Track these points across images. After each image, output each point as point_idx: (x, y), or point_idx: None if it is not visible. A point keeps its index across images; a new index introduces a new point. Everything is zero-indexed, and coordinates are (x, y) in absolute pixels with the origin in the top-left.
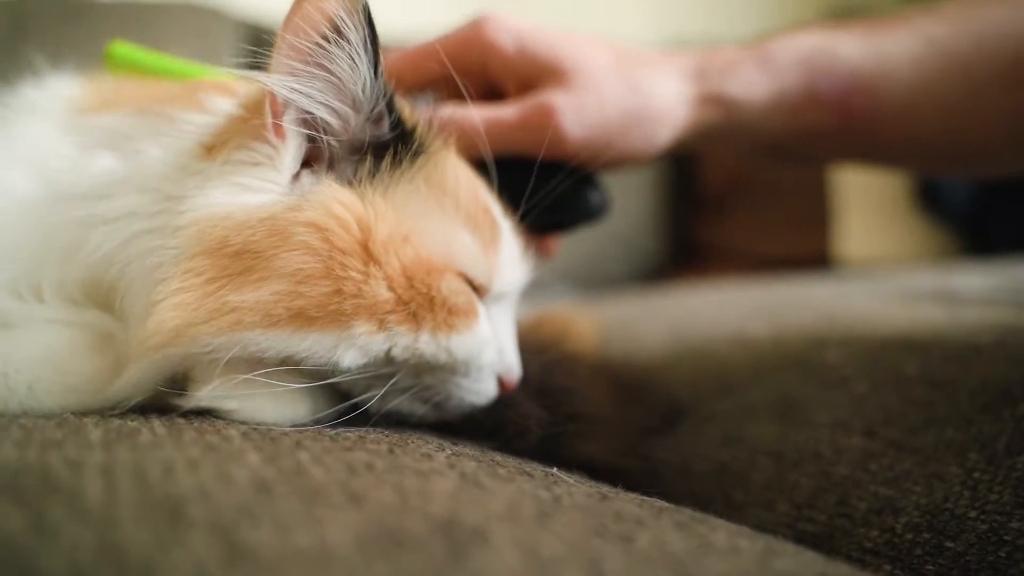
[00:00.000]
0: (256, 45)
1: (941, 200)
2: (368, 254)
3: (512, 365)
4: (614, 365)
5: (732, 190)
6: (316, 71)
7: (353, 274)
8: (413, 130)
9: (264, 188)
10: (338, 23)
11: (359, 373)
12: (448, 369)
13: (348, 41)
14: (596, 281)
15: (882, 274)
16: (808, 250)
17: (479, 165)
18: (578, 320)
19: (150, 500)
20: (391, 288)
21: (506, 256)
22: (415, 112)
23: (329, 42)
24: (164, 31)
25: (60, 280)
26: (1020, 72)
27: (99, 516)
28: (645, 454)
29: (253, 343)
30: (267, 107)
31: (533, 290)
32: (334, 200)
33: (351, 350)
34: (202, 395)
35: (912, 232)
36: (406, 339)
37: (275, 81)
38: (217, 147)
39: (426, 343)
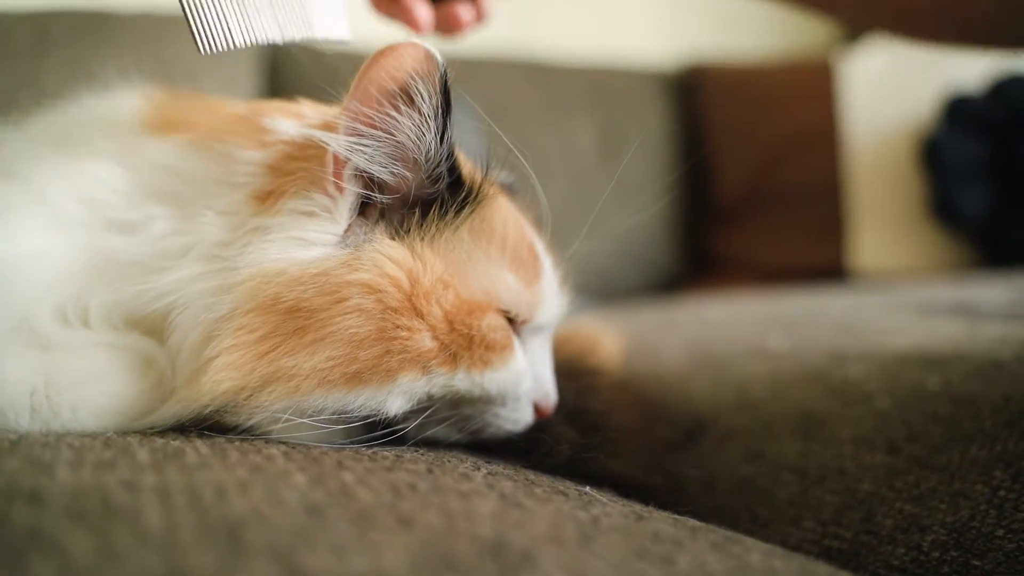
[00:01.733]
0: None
1: (957, 211)
2: (414, 307)
3: (548, 391)
4: (636, 379)
5: (746, 201)
6: (381, 135)
7: (402, 333)
8: (466, 183)
9: (318, 241)
10: (411, 91)
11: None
12: (485, 400)
13: (418, 111)
14: (611, 293)
15: (898, 286)
16: (823, 262)
17: None
18: (603, 335)
19: (208, 523)
20: (435, 337)
21: (547, 290)
22: (470, 166)
23: (399, 111)
24: (184, 45)
25: (108, 309)
26: None
27: (162, 540)
28: (670, 470)
29: (308, 405)
30: (329, 161)
31: None
32: (386, 258)
33: (398, 399)
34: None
35: (928, 243)
36: (443, 379)
37: (339, 141)
38: (273, 196)
39: (462, 380)
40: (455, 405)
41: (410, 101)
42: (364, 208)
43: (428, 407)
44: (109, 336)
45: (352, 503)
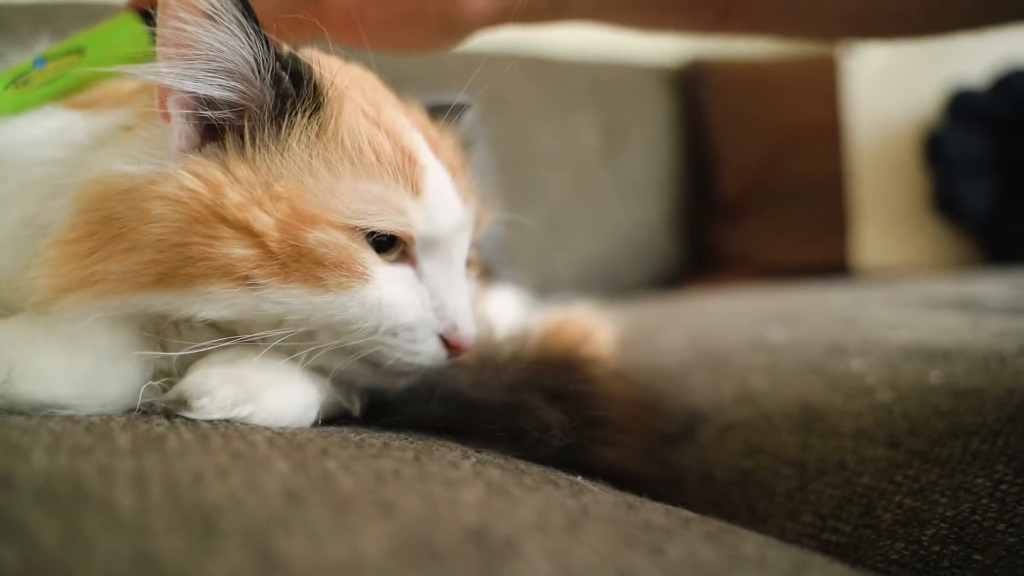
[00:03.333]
0: None
1: (961, 207)
2: (221, 217)
3: (456, 323)
4: (634, 371)
5: (749, 197)
6: (185, 51)
7: (198, 239)
8: (311, 89)
9: (146, 159)
10: (205, 4)
11: (282, 335)
12: (361, 329)
13: (221, 16)
14: (612, 287)
15: (901, 282)
16: (825, 257)
17: None
18: (598, 325)
19: (182, 509)
20: (255, 245)
21: (433, 200)
22: (313, 70)
23: (204, 21)
24: None
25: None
26: None
27: (133, 525)
28: (667, 461)
29: (121, 306)
30: (155, 91)
31: (545, 294)
32: (187, 172)
33: (211, 304)
34: (210, 409)
35: (930, 240)
36: (274, 292)
37: (149, 70)
38: (133, 127)
39: (297, 299)
40: (335, 335)
41: (207, 16)
42: (217, 133)
43: (309, 335)
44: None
45: (333, 489)
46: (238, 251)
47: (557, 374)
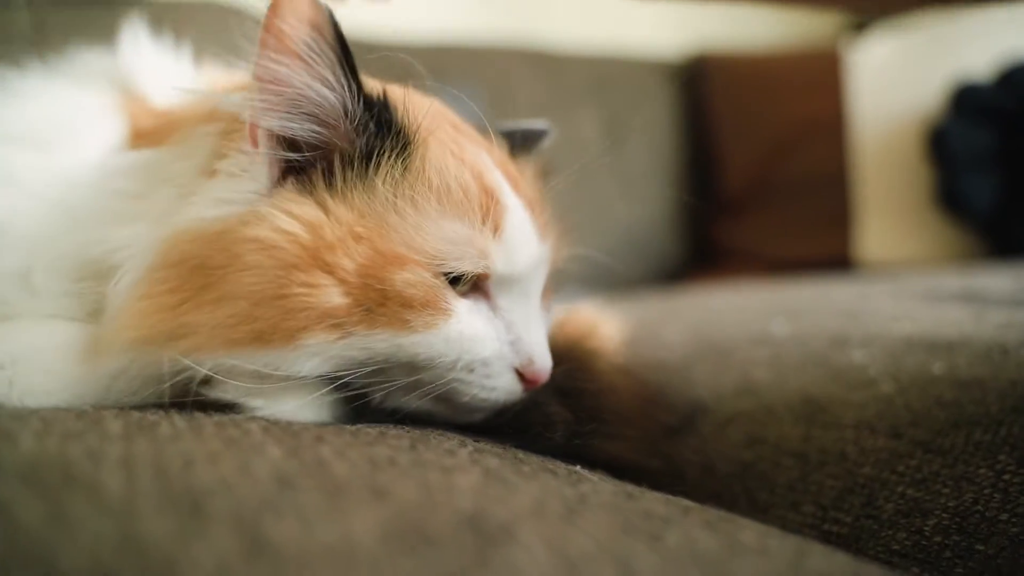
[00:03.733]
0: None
1: (965, 201)
2: (317, 263)
3: (533, 357)
4: (637, 365)
5: (752, 191)
6: (282, 91)
7: (301, 290)
8: (397, 131)
9: (235, 200)
10: (302, 44)
11: (351, 374)
12: (436, 367)
13: (316, 62)
14: (614, 282)
15: (904, 275)
16: (828, 252)
17: None
18: (603, 320)
19: (171, 492)
20: (346, 293)
21: (513, 237)
22: (400, 112)
23: (297, 64)
24: (184, 29)
25: (61, 263)
26: None
27: (119, 508)
28: (668, 454)
29: (214, 366)
30: (245, 124)
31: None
32: (282, 212)
33: (311, 360)
34: (227, 388)
35: (934, 234)
36: (362, 340)
37: (244, 103)
38: (216, 170)
39: (382, 342)
40: (411, 371)
41: (307, 56)
42: (297, 169)
43: (383, 371)
44: (66, 307)
45: (326, 475)
46: (335, 299)
47: (562, 369)
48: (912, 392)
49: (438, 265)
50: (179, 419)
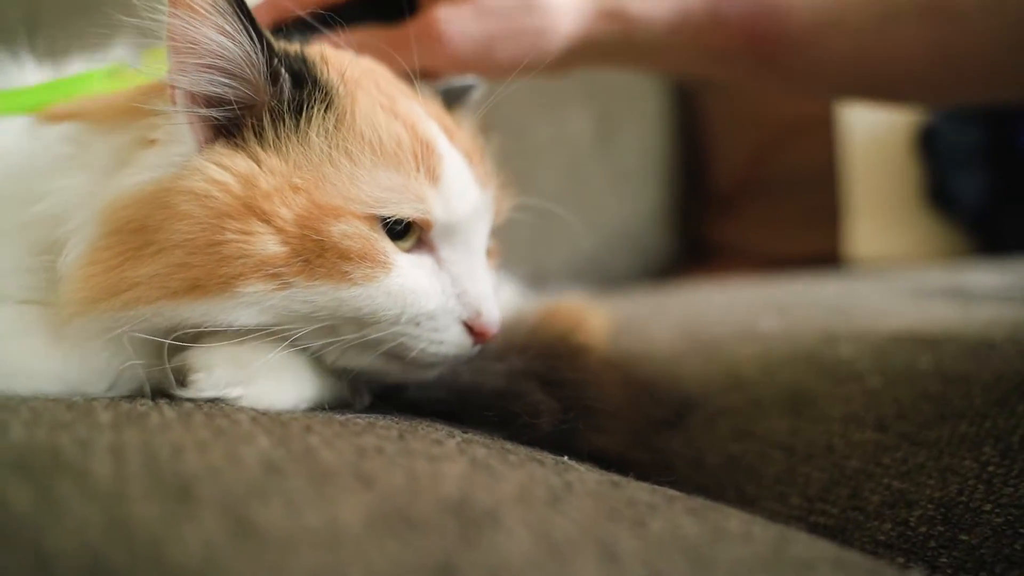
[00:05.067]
0: None
1: (953, 199)
2: (253, 211)
3: (480, 309)
4: (625, 359)
5: (741, 188)
6: (189, 49)
7: (234, 236)
8: (315, 84)
9: (166, 164)
10: (199, 3)
11: (299, 330)
12: (380, 321)
13: (209, 12)
14: (605, 278)
15: (893, 272)
16: (818, 249)
17: None
18: (590, 312)
19: (159, 478)
20: (284, 242)
21: (451, 183)
22: (319, 64)
23: (193, 17)
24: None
25: (10, 243)
26: (938, 3)
27: (107, 493)
28: (656, 447)
29: (152, 316)
30: (166, 91)
31: (537, 286)
32: (212, 164)
33: (248, 309)
34: (203, 384)
35: (923, 231)
36: (302, 291)
37: (157, 66)
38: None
39: (324, 294)
40: (359, 327)
41: (202, 9)
42: (228, 131)
43: (330, 329)
44: (21, 278)
45: (314, 463)
46: (272, 247)
47: (549, 361)
48: (899, 386)
49: (376, 214)
50: (169, 410)
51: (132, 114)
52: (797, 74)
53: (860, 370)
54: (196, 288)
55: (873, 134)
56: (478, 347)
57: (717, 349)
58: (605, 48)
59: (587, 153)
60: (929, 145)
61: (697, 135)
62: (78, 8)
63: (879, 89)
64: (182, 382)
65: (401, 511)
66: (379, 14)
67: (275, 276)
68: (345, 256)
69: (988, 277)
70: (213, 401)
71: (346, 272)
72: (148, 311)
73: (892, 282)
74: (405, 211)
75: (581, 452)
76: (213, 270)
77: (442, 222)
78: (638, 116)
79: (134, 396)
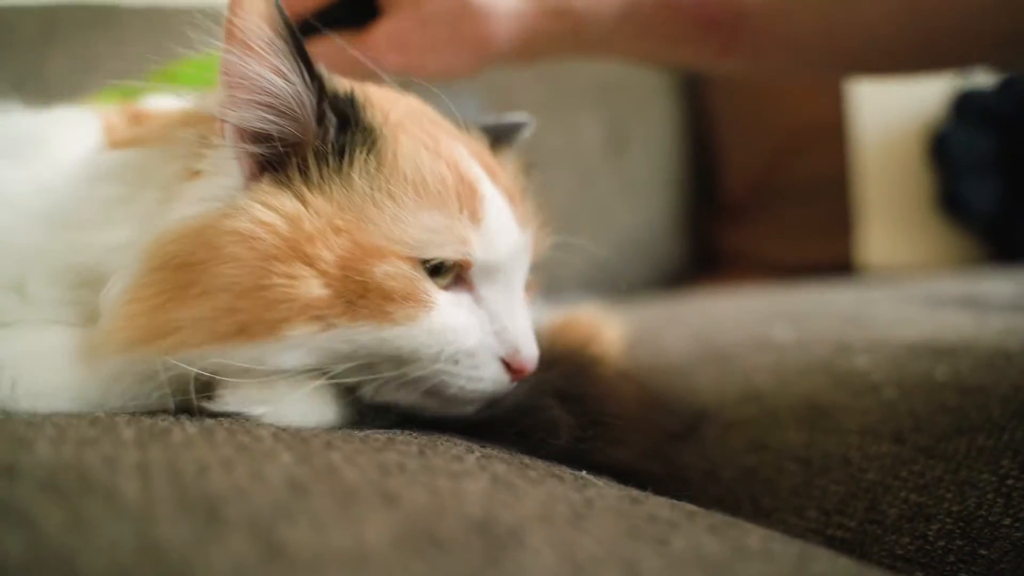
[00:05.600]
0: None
1: (966, 206)
2: (297, 254)
3: (518, 346)
4: (639, 370)
5: (754, 196)
6: (243, 86)
7: (280, 280)
8: (360, 126)
9: (212, 198)
10: (253, 39)
11: (338, 368)
12: (420, 360)
13: (266, 51)
14: (616, 287)
15: (906, 280)
16: (830, 256)
17: None
18: (605, 323)
19: (186, 498)
20: (327, 284)
21: (492, 224)
22: (364, 105)
23: (249, 56)
24: (188, 37)
25: (54, 273)
26: None
27: (137, 514)
28: (672, 459)
29: (198, 359)
30: (216, 124)
31: (549, 296)
32: (259, 204)
33: (295, 351)
34: (229, 399)
35: (935, 238)
36: (346, 332)
37: (211, 101)
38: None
39: (366, 334)
40: (397, 364)
41: (258, 47)
42: (274, 166)
43: (371, 365)
44: (58, 309)
45: (337, 481)
46: (316, 291)
47: (566, 374)
48: (915, 398)
49: (419, 254)
50: (190, 426)
51: (181, 142)
52: (762, 53)
53: (876, 381)
54: (242, 332)
55: (885, 141)
56: (514, 383)
57: (731, 359)
58: (555, 43)
59: (598, 161)
60: (941, 152)
61: (708, 143)
62: (94, 22)
63: (849, 63)
64: (207, 395)
65: (426, 530)
66: (351, 20)
67: (319, 319)
68: (388, 297)
69: (1001, 285)
70: (233, 415)
71: (388, 312)
72: (194, 355)
73: (905, 290)
74: (447, 254)
75: (597, 465)
76: (260, 314)
77: (482, 262)
78: (649, 124)
79: (154, 411)
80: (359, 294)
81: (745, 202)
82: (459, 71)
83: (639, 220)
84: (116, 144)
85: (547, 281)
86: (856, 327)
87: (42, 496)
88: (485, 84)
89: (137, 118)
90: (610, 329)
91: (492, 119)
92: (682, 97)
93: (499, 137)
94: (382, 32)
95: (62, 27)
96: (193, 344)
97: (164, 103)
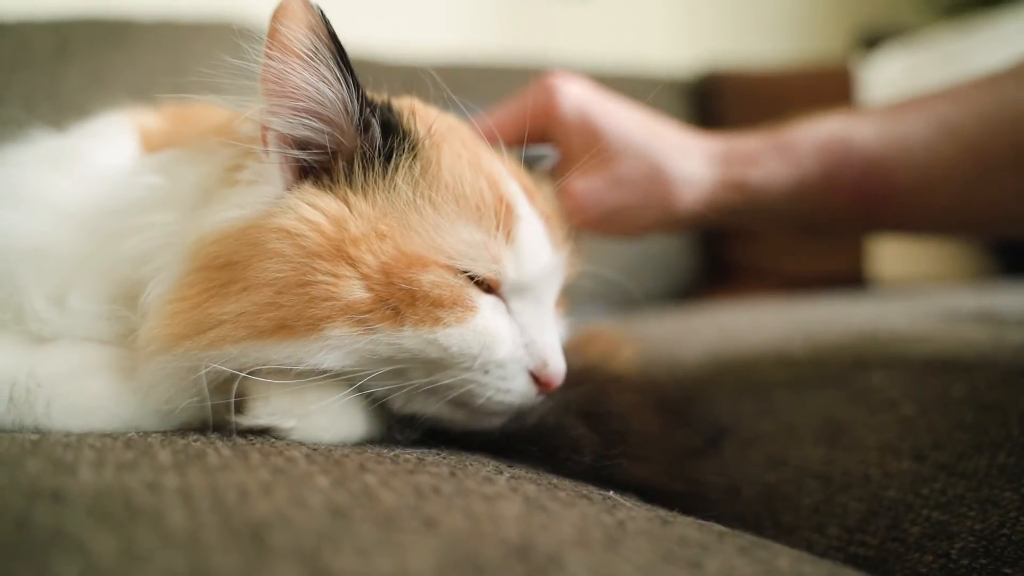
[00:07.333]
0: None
1: None
2: (342, 254)
3: (547, 359)
4: (657, 385)
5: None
6: (285, 92)
7: (324, 278)
8: (404, 134)
9: (255, 203)
10: (298, 47)
11: (371, 374)
12: (456, 365)
13: (312, 59)
14: (628, 300)
15: (919, 294)
16: (842, 269)
17: None
18: (624, 341)
19: (231, 525)
20: (369, 288)
21: (526, 245)
22: (406, 115)
23: (295, 62)
24: (201, 51)
25: (96, 283)
26: None
27: (186, 541)
28: (692, 476)
29: (239, 356)
30: (258, 131)
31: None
32: (305, 203)
33: (333, 352)
34: (260, 411)
35: (948, 251)
36: (388, 336)
37: (254, 108)
38: (237, 170)
39: (410, 338)
40: (429, 371)
41: (304, 55)
42: (315, 172)
43: (402, 372)
44: (102, 329)
45: (376, 505)
46: (357, 292)
47: (588, 391)
48: (933, 415)
49: (455, 264)
50: (223, 447)
51: (222, 145)
52: (904, 224)
53: (893, 397)
54: (283, 328)
55: None
56: (541, 397)
57: (747, 373)
58: (729, 212)
59: None
60: None
61: None
62: (107, 38)
63: (982, 230)
64: (238, 409)
65: (468, 557)
66: None
67: (361, 322)
68: (438, 303)
69: (1015, 300)
70: (264, 433)
71: (439, 317)
72: (234, 351)
73: (919, 305)
74: (479, 270)
75: (621, 483)
76: (301, 311)
77: (512, 281)
78: None
79: (184, 429)
80: (407, 302)
81: None
82: (644, 230)
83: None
84: (152, 149)
85: (560, 293)
86: (871, 342)
87: (91, 522)
88: (498, 99)
89: (173, 117)
90: (629, 345)
91: (518, 150)
92: (693, 109)
93: (527, 165)
94: (578, 187)
95: (76, 43)
96: (234, 339)
97: (200, 104)
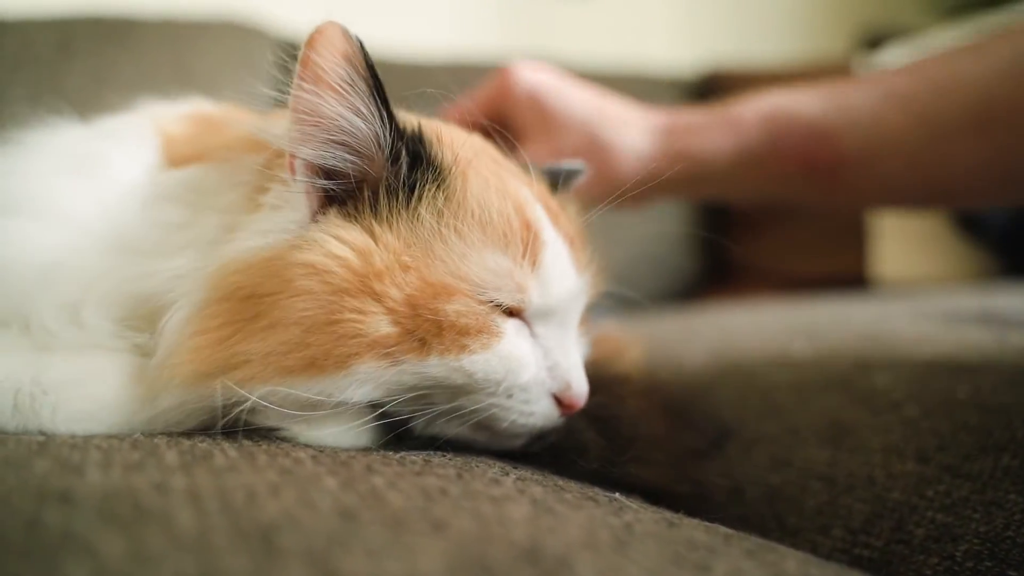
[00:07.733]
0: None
1: (980, 220)
2: (367, 290)
3: (570, 383)
4: (661, 387)
5: (768, 208)
6: (315, 121)
7: (351, 316)
8: (429, 162)
9: (279, 230)
10: (335, 79)
11: (394, 400)
12: (481, 390)
13: (348, 92)
14: (631, 300)
15: (921, 294)
16: (844, 270)
17: None
18: (628, 343)
19: (240, 527)
20: (394, 322)
21: (550, 271)
22: (435, 143)
23: (331, 95)
24: (204, 50)
25: (109, 298)
26: (990, 115)
27: (195, 543)
28: (697, 478)
29: (268, 395)
30: (286, 155)
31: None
32: (332, 238)
33: (363, 387)
34: (270, 413)
35: (950, 252)
36: (414, 366)
37: (282, 135)
38: (260, 194)
39: (436, 367)
40: (453, 396)
41: (339, 88)
42: (340, 200)
43: (427, 396)
44: (110, 338)
45: (384, 507)
46: (384, 328)
47: (595, 395)
48: (937, 416)
49: (478, 293)
50: (230, 448)
51: (245, 169)
52: (852, 192)
53: (897, 399)
54: (312, 366)
55: None
56: (564, 419)
57: (749, 375)
58: (673, 183)
59: None
60: None
61: None
62: (110, 36)
63: (933, 198)
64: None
65: (477, 559)
66: None
67: (388, 355)
68: (464, 332)
69: (1018, 301)
70: (269, 433)
71: (465, 345)
72: (263, 390)
73: (922, 305)
74: (503, 298)
75: (626, 485)
76: (330, 349)
77: (536, 307)
78: None
79: (190, 431)
80: (434, 332)
81: (759, 214)
82: (590, 199)
83: (652, 232)
84: (176, 161)
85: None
86: (874, 343)
87: (101, 524)
88: None
89: (196, 122)
90: (633, 347)
91: (552, 164)
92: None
93: (555, 181)
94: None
95: (79, 41)
96: (262, 379)
97: (227, 111)
